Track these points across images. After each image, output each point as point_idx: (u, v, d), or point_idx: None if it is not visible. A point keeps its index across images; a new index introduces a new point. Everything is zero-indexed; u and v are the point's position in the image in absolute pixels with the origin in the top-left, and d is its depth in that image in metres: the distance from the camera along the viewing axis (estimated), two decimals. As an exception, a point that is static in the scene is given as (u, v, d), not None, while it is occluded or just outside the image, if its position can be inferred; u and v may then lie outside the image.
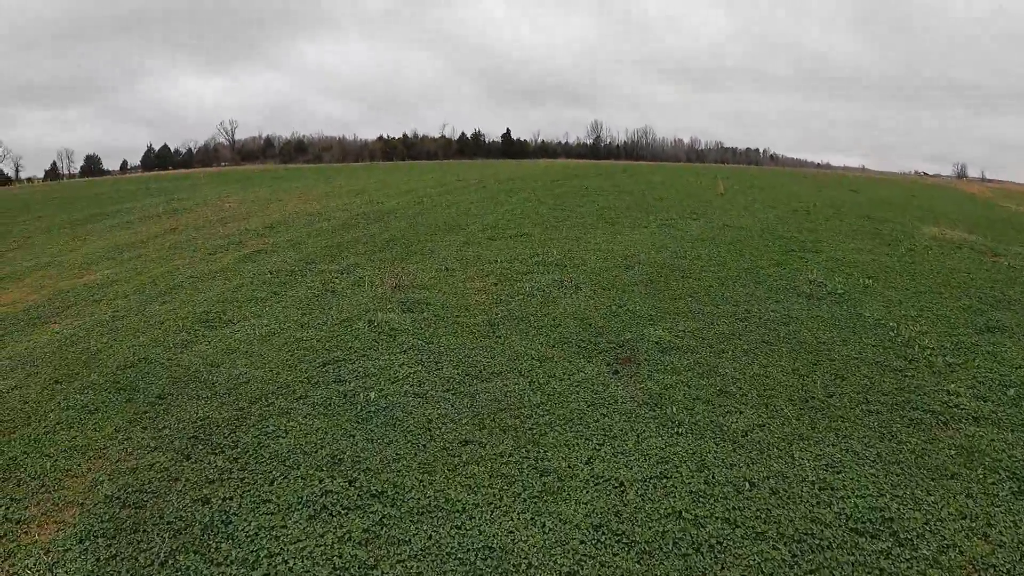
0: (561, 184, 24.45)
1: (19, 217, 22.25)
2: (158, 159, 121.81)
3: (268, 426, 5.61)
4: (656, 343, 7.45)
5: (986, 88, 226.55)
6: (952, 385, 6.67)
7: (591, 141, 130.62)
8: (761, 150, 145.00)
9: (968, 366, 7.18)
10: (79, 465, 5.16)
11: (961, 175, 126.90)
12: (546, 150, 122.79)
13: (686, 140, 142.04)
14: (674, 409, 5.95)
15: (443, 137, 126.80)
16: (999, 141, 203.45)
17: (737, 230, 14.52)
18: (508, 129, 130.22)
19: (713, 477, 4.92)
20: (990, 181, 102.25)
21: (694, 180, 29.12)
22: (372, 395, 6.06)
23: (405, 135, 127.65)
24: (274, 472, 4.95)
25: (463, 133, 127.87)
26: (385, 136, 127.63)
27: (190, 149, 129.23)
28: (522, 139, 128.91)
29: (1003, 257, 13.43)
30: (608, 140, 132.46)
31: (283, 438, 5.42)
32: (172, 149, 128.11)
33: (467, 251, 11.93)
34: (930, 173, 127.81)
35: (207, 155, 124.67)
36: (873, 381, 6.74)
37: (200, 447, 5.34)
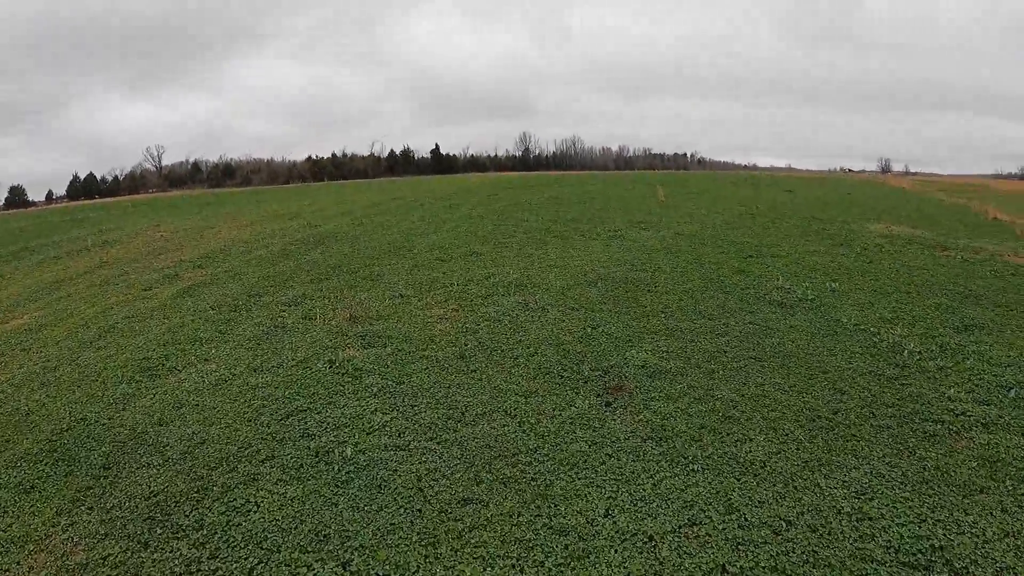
0: (499, 198, 23.99)
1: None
2: (84, 188, 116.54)
3: (235, 498, 4.72)
4: (642, 367, 6.88)
5: (908, 85, 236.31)
6: (951, 391, 6.32)
7: (520, 153, 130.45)
8: (689, 154, 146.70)
9: (960, 369, 6.87)
10: (18, 563, 4.20)
11: (886, 170, 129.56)
12: (476, 164, 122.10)
13: (614, 148, 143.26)
14: (681, 442, 5.35)
15: (372, 155, 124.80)
16: (926, 136, 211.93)
17: (688, 238, 14.21)
18: (437, 144, 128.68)
19: (746, 519, 4.33)
20: (914, 174, 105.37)
21: (631, 188, 29.10)
22: (348, 451, 5.23)
23: (334, 154, 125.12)
24: (251, 558, 4.08)
25: (392, 150, 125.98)
26: (314, 156, 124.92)
27: (116, 176, 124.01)
28: (451, 154, 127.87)
29: (952, 251, 13.44)
30: (537, 151, 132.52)
31: (255, 512, 4.55)
32: (99, 177, 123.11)
33: (418, 275, 11.19)
34: (855, 169, 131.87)
35: (134, 182, 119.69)
36: (873, 393, 6.34)
37: (159, 530, 4.43)
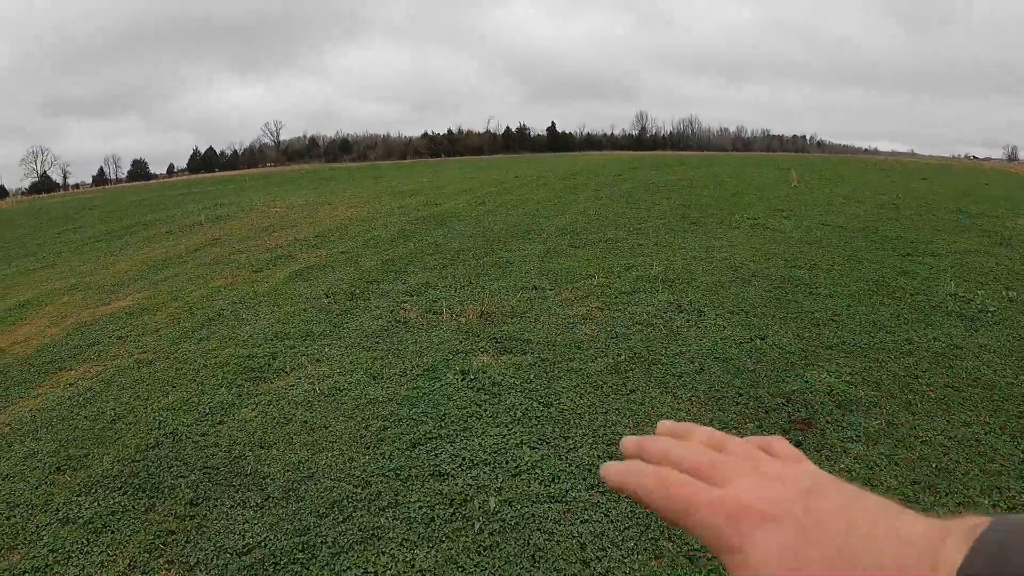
0: (624, 178, 22.40)
1: (57, 228, 20.18)
2: (204, 162, 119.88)
3: (348, 564, 3.52)
4: (828, 394, 5.51)
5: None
6: None
7: (636, 132, 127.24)
8: (808, 137, 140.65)
9: None
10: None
11: (1012, 158, 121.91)
12: (591, 142, 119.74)
13: (732, 129, 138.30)
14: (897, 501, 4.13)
15: (488, 132, 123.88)
16: None
17: (836, 230, 12.49)
18: (553, 122, 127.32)
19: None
20: None
21: (760, 171, 27.06)
22: (491, 502, 3.97)
23: (450, 131, 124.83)
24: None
25: (508, 127, 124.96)
26: (429, 132, 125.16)
27: (235, 151, 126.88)
28: (567, 132, 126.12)
29: None
30: (654, 131, 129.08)
31: (376, 589, 3.35)
32: (218, 151, 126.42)
33: (552, 263, 9.91)
34: (980, 157, 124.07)
35: (252, 157, 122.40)
36: None
37: (252, 608, 3.26)
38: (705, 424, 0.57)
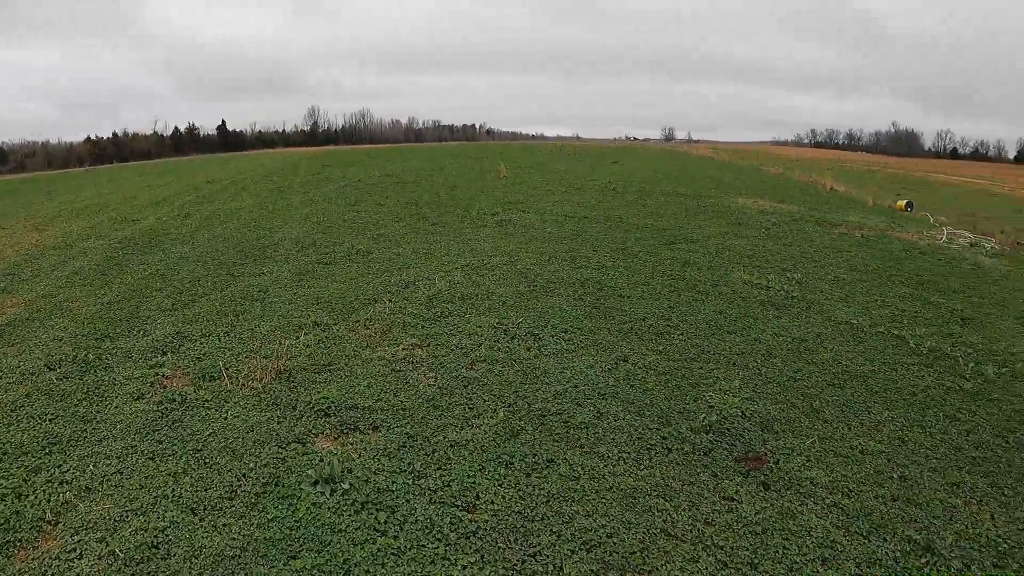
0: (325, 177, 20.47)
1: None
2: None
3: None
4: (745, 417, 5.06)
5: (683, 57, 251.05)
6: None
7: (309, 127, 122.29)
8: (478, 126, 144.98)
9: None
10: None
11: (669, 138, 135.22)
12: (264, 140, 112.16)
13: (403, 121, 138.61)
14: (899, 536, 3.87)
15: (156, 134, 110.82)
16: (701, 103, 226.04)
17: (583, 220, 12.44)
18: (223, 121, 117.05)
19: None
20: (697, 142, 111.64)
21: (462, 162, 26.66)
22: None
23: (115, 134, 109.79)
24: None
25: (176, 128, 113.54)
26: (93, 137, 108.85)
27: None
28: (239, 130, 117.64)
29: (839, 226, 13.15)
30: (326, 125, 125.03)
31: None
32: None
33: (314, 288, 8.21)
34: (640, 137, 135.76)
35: None
36: (983, 415, 5.41)
37: None
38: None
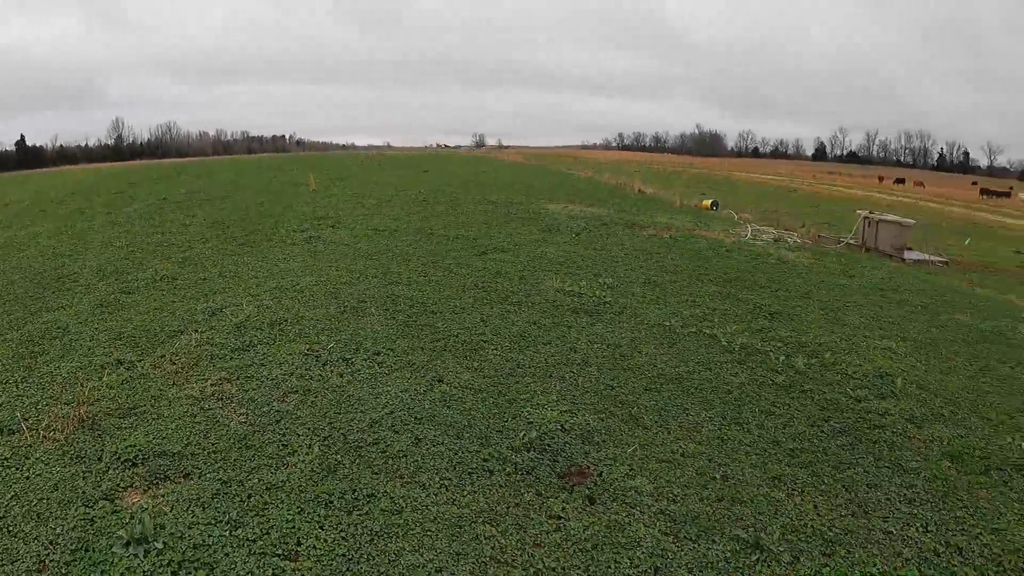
0: (129, 196, 18.20)
1: None
2: None
3: None
4: (565, 430, 4.91)
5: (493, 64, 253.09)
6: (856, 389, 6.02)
7: (113, 141, 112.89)
8: (287, 136, 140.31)
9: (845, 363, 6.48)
10: None
11: (480, 144, 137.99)
12: (66, 156, 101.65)
13: (211, 132, 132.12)
14: (727, 536, 3.90)
15: None
16: (511, 110, 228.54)
17: (394, 234, 12.10)
18: (23, 136, 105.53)
19: None
20: (508, 148, 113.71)
21: (272, 175, 25.16)
22: None
23: None
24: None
25: None
26: None
27: None
28: (39, 146, 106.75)
29: (648, 228, 13.67)
30: (131, 139, 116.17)
31: None
32: None
33: (113, 319, 7.26)
34: (451, 145, 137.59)
35: None
36: (796, 407, 5.69)
37: None
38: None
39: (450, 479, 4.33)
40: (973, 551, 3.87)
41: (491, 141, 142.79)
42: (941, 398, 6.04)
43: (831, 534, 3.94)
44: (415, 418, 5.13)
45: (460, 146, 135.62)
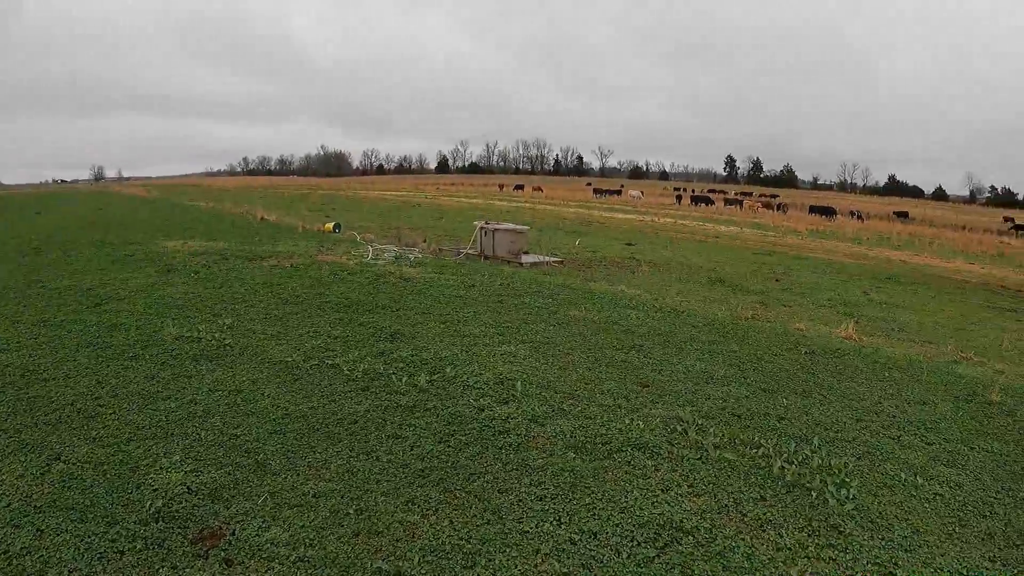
0: None
1: None
2: None
3: None
4: (192, 492, 4.62)
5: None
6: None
7: None
8: None
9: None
10: None
11: (99, 177, 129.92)
12: None
13: None
14: None
15: None
16: (131, 139, 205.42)
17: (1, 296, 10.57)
18: None
19: None
20: (129, 179, 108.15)
21: None
22: None
23: None
24: None
25: None
26: None
27: None
28: None
29: (270, 259, 13.41)
30: None
31: None
32: None
33: None
34: (68, 180, 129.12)
35: None
36: (441, 427, 5.90)
37: None
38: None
39: (80, 569, 3.91)
40: (606, 532, 4.29)
41: (111, 173, 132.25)
42: (561, 393, 6.64)
43: (470, 546, 4.16)
44: (35, 508, 4.51)
45: (78, 180, 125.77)
